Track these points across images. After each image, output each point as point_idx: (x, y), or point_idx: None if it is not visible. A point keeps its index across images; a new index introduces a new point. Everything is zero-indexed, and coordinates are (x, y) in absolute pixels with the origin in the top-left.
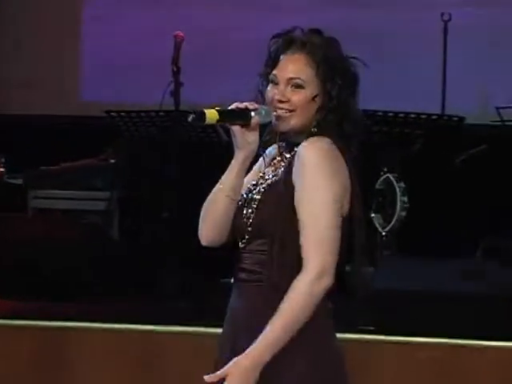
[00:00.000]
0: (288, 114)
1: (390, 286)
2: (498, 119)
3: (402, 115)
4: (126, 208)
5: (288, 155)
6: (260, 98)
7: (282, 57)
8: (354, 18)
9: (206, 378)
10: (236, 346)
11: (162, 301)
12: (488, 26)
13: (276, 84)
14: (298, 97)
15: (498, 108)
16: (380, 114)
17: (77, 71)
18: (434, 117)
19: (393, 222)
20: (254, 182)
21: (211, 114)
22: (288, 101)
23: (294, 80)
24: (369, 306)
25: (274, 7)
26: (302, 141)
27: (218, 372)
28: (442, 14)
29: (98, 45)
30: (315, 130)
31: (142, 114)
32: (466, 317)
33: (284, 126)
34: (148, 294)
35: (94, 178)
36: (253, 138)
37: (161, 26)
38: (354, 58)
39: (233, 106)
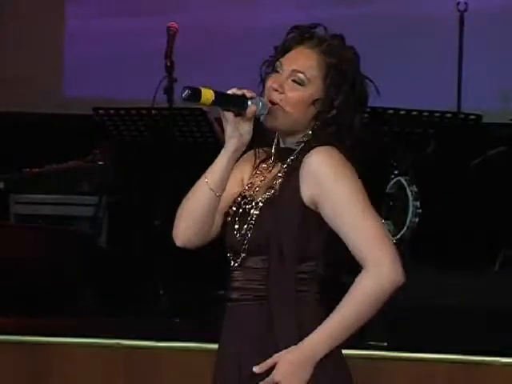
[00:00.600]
0: (278, 108)
1: (400, 297)
2: None
3: (414, 113)
4: (115, 214)
5: (283, 165)
6: (261, 85)
7: (294, 48)
8: (363, 10)
9: (256, 369)
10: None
11: (154, 314)
12: (509, 16)
13: (278, 73)
14: (294, 94)
15: None
16: (390, 111)
17: (60, 65)
18: (449, 115)
19: (404, 229)
20: (239, 193)
21: (207, 94)
22: (283, 93)
23: (297, 74)
24: (379, 319)
25: (276, 3)
26: (293, 145)
27: (268, 360)
28: (458, 4)
29: (83, 36)
30: (308, 139)
31: (133, 112)
32: (483, 331)
33: (271, 122)
34: (139, 307)
35: (81, 182)
36: (246, 128)
37: (153, 16)
38: (367, 78)
39: (230, 92)
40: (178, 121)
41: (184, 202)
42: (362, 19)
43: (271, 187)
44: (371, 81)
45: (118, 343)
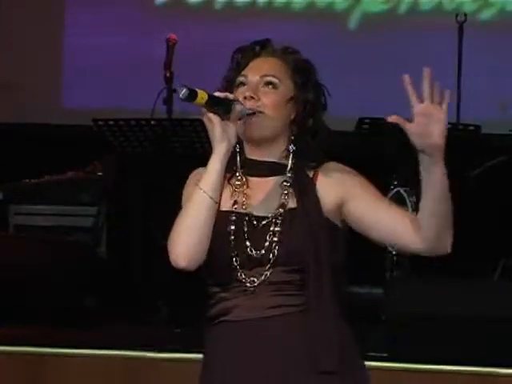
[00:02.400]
0: (258, 114)
1: (401, 308)
2: None
3: None
4: (114, 225)
5: (283, 182)
6: None
7: (251, 62)
8: (362, 23)
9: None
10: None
11: (154, 325)
12: (507, 27)
13: (245, 85)
14: (270, 98)
15: None
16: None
17: (60, 76)
18: (448, 125)
19: None
20: (230, 211)
21: (202, 95)
22: (259, 99)
23: (268, 77)
24: (379, 330)
25: (276, 10)
26: (271, 158)
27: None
28: (457, 15)
29: (82, 47)
30: (294, 147)
31: (132, 123)
32: (483, 341)
33: (250, 132)
34: (139, 317)
35: (81, 193)
36: (232, 132)
37: (152, 26)
38: (322, 85)
39: (216, 94)
40: (177, 131)
41: (181, 222)
42: (361, 31)
43: (283, 205)
44: (325, 87)
45: (117, 354)
